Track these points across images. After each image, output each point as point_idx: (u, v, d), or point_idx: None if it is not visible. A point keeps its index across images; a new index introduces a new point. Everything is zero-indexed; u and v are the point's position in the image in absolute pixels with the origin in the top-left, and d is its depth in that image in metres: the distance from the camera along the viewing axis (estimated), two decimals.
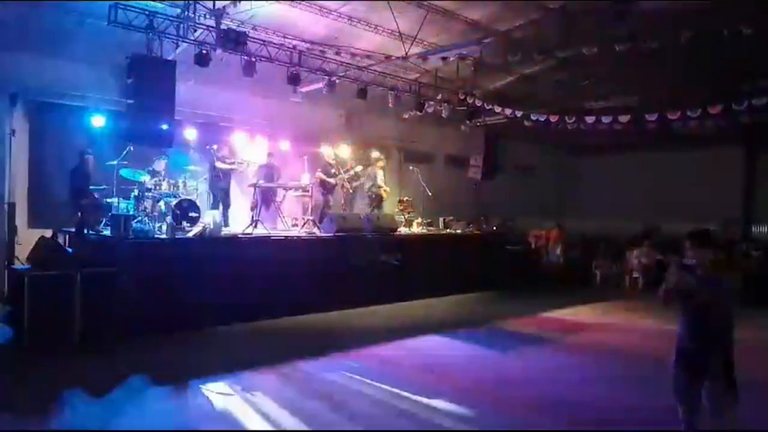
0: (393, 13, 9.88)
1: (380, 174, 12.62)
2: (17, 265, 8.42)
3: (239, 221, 10.43)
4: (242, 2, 8.62)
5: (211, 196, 10.40)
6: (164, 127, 8.69)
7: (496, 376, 6.35)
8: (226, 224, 9.97)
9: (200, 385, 5.68)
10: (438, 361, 6.90)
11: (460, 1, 10.12)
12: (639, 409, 5.24)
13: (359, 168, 12.26)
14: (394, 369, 6.50)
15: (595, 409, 5.30)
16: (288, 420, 4.91)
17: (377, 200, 12.45)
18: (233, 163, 10.47)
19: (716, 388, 3.77)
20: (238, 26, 9.39)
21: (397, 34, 10.54)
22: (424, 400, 5.42)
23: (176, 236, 8.30)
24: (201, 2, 8.80)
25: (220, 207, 10.21)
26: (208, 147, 10.38)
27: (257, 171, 10.85)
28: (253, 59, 9.56)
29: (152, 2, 8.73)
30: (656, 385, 4.89)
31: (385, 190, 12.53)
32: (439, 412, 5.16)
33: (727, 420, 3.80)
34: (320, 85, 11.00)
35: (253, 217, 10.15)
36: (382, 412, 5.12)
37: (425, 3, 10.02)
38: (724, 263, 4.21)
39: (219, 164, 10.24)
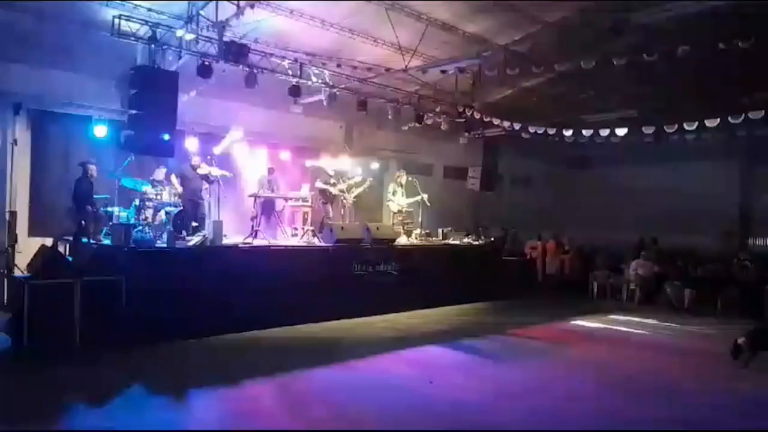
0: (393, 27, 9.99)
1: (399, 190, 12.47)
2: (17, 273, 8.45)
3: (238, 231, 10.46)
4: (244, 16, 8.70)
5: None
6: (166, 137, 8.77)
7: (494, 387, 6.36)
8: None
9: (199, 393, 5.68)
10: (436, 371, 6.90)
11: (465, 1, 10.15)
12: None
13: (356, 179, 12.21)
14: (393, 379, 6.50)
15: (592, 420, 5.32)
16: (289, 426, 4.92)
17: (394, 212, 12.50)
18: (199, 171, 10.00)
19: None
20: (240, 38, 9.48)
21: (397, 47, 10.66)
22: (424, 409, 5.43)
23: (176, 245, 8.33)
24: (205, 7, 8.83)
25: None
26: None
27: (258, 181, 10.93)
28: (255, 71, 9.65)
29: (155, 12, 8.84)
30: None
31: (399, 206, 12.39)
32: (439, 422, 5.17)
33: None
34: (321, 96, 11.10)
35: (253, 227, 10.18)
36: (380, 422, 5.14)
37: (425, 16, 10.14)
38: None
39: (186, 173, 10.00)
